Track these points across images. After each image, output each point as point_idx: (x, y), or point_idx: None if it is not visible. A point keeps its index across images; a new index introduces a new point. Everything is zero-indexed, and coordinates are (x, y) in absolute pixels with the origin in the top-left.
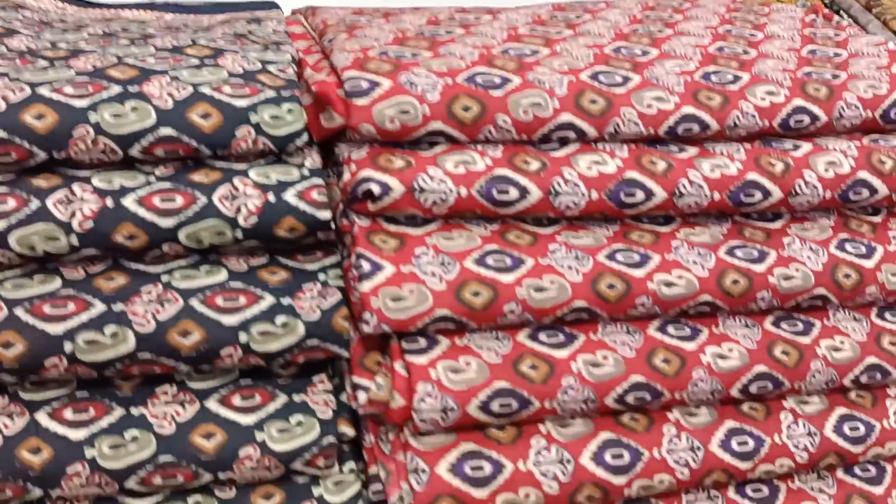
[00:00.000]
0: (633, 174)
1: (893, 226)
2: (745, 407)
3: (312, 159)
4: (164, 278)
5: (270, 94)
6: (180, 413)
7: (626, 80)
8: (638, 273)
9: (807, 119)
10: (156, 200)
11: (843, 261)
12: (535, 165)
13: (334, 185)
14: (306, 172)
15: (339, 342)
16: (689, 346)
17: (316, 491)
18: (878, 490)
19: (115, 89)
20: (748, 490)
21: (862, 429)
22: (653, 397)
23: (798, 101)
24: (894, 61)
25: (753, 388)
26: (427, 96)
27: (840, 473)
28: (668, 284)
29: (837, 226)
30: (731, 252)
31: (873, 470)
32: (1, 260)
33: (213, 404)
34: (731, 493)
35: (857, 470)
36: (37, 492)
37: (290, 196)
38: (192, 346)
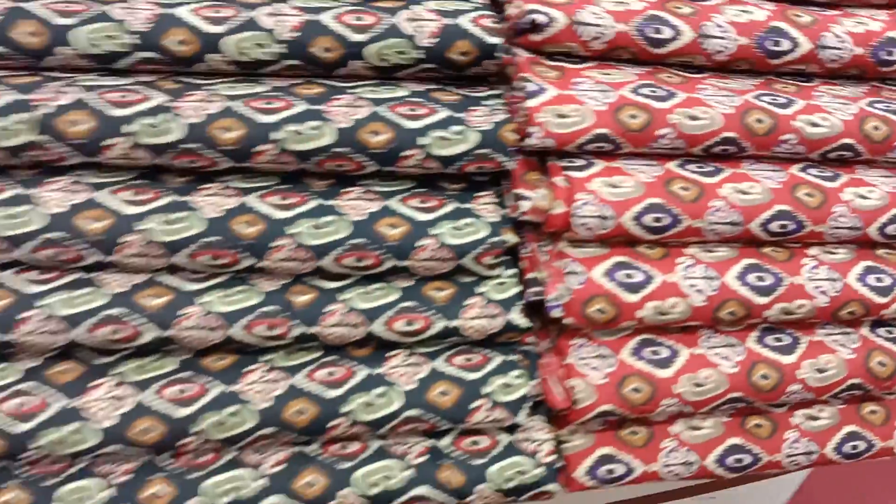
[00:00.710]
0: (779, 24)
1: None
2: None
3: None
4: (357, 91)
5: None
6: (369, 207)
7: None
8: (785, 112)
9: None
10: (348, 18)
11: None
12: (687, 10)
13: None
14: (479, 3)
15: (505, 153)
16: (831, 185)
17: (481, 288)
18: None
19: None
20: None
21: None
22: (796, 227)
23: None
24: None
25: (891, 230)
26: None
27: (864, 330)
28: (813, 125)
29: None
30: (871, 105)
31: None
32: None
33: (395, 203)
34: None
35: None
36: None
37: (464, 21)
38: (380, 144)
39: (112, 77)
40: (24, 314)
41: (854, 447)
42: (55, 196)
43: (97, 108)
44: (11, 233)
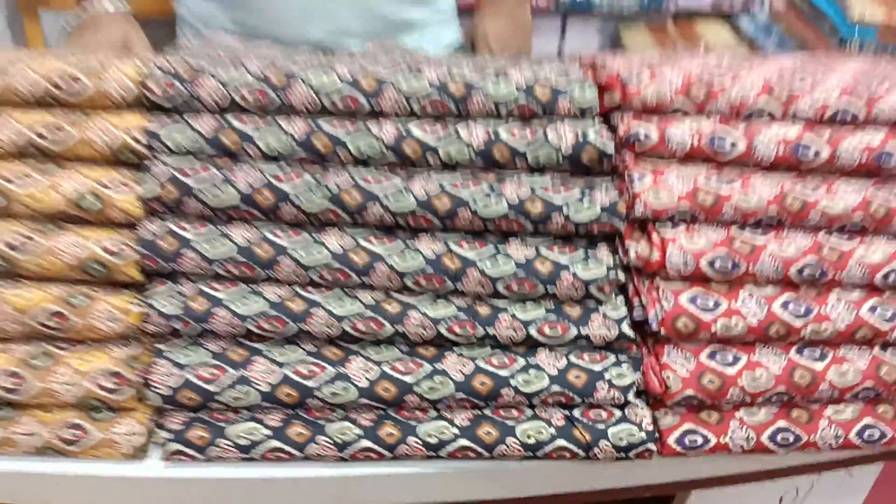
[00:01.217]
0: (808, 137)
1: None
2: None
3: (600, 119)
4: (519, 178)
5: (576, 83)
6: (527, 252)
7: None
8: (812, 197)
9: None
10: (517, 133)
11: None
12: (741, 128)
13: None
14: (598, 123)
15: (620, 219)
16: (849, 246)
17: (601, 309)
18: None
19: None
20: None
21: None
22: (821, 274)
23: None
24: None
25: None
26: (673, 85)
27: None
28: (832, 205)
29: None
30: (875, 191)
31: None
32: None
33: (544, 250)
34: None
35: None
36: None
37: (591, 135)
38: (536, 211)
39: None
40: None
41: (871, 435)
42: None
43: None
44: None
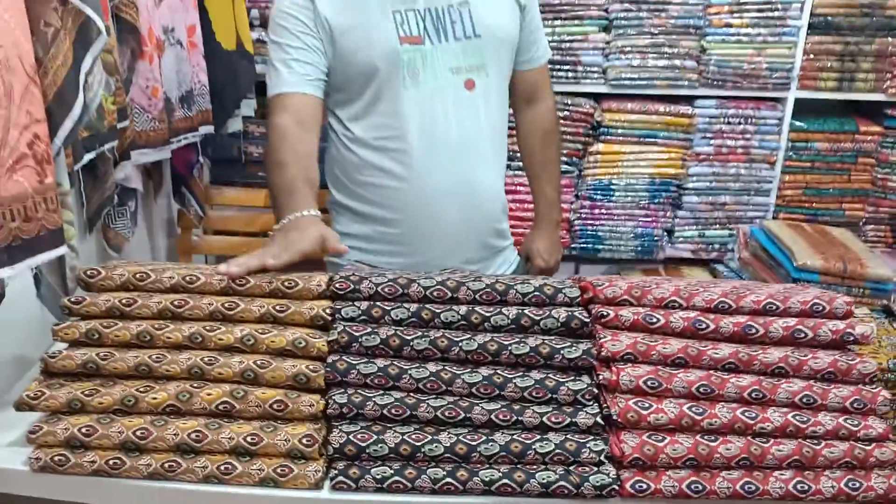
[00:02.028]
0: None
1: None
2: None
3: (581, 306)
4: (535, 336)
5: (568, 286)
6: (539, 376)
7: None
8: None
9: None
10: (534, 311)
11: None
12: (662, 312)
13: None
14: (580, 308)
15: (593, 358)
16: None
17: (584, 408)
18: None
19: None
20: None
21: None
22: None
23: None
24: None
25: None
26: (621, 288)
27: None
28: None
29: None
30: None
31: None
32: None
33: (550, 374)
34: None
35: None
36: None
37: (576, 313)
38: (546, 353)
39: None
40: None
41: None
42: None
43: None
44: None
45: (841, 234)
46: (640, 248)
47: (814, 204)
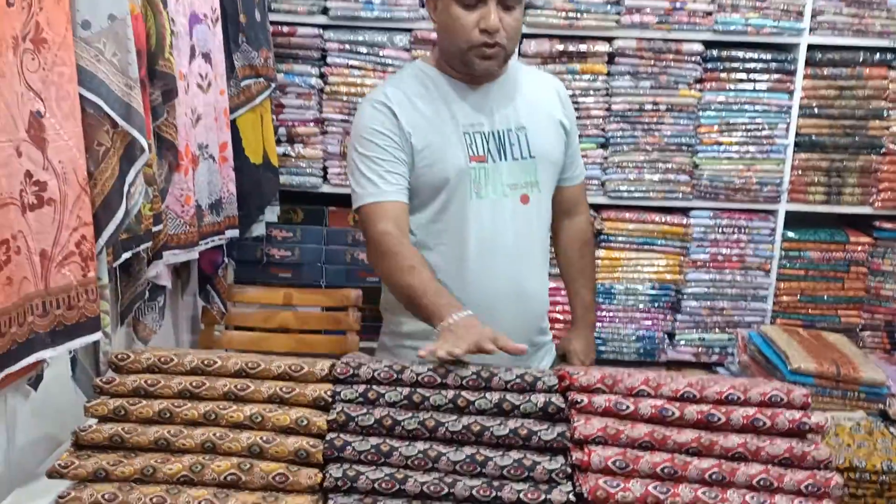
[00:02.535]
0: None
1: None
2: None
3: (559, 393)
4: (515, 418)
5: (547, 374)
6: (518, 455)
7: None
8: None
9: None
10: (516, 396)
11: None
12: (631, 400)
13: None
14: (557, 394)
15: (567, 440)
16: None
17: (559, 487)
18: None
19: None
20: None
21: None
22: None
23: None
24: None
25: None
26: (594, 378)
27: None
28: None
29: None
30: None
31: None
32: None
33: (527, 454)
34: None
35: None
36: None
37: (553, 399)
38: (524, 434)
39: None
40: None
41: None
42: None
43: None
44: None
45: (836, 339)
46: (642, 351)
47: (810, 310)
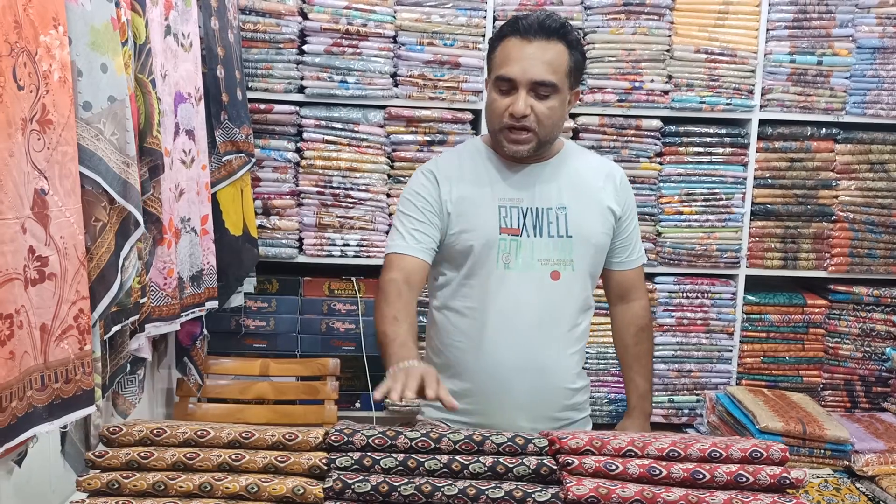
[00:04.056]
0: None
1: None
2: None
3: (550, 455)
4: (509, 481)
5: (536, 438)
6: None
7: None
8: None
9: None
10: (510, 460)
11: None
12: (621, 459)
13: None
14: (549, 457)
15: (562, 502)
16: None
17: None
18: None
19: None
20: None
21: None
22: None
23: None
24: None
25: None
26: (582, 441)
27: None
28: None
29: None
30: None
31: None
32: None
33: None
34: None
35: None
36: None
37: (545, 461)
38: (520, 496)
39: None
40: None
41: None
42: None
43: None
44: None
45: (800, 398)
46: (614, 413)
47: (773, 371)
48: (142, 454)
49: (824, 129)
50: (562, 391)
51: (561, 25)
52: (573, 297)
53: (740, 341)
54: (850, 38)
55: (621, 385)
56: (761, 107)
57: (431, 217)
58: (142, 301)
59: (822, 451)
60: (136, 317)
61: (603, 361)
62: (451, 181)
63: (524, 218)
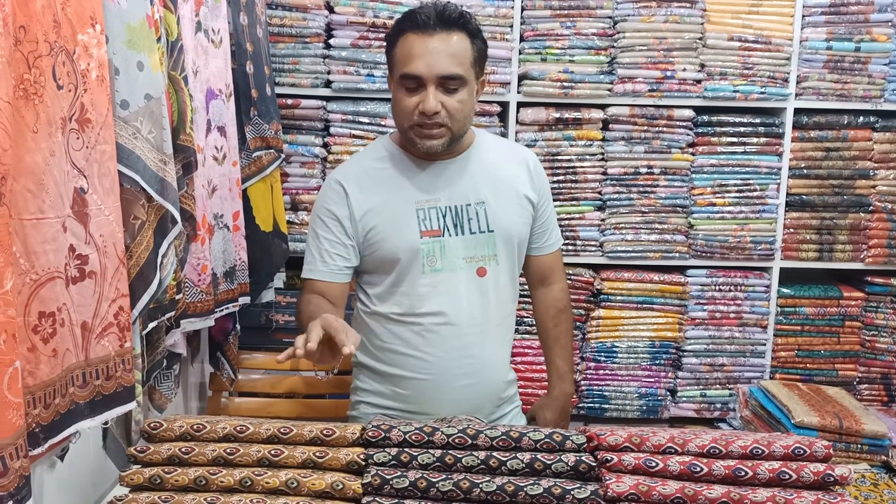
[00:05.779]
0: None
1: None
2: None
3: (588, 452)
4: (546, 478)
5: (575, 435)
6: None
7: None
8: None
9: None
10: (547, 456)
11: None
12: (660, 458)
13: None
14: (587, 453)
15: (601, 499)
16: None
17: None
18: None
19: None
20: None
21: None
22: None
23: None
24: None
25: None
26: (621, 437)
27: None
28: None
29: None
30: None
31: None
32: None
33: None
34: None
35: None
36: None
37: (584, 458)
38: (559, 493)
39: None
40: None
41: None
42: None
43: None
44: None
45: (836, 392)
46: (644, 408)
47: (808, 365)
48: (182, 449)
49: (862, 118)
50: (498, 385)
51: (460, 15)
52: (501, 290)
53: (774, 335)
54: (890, 24)
55: (652, 380)
56: (797, 95)
57: (342, 237)
58: (177, 297)
59: (860, 447)
60: (173, 313)
61: (633, 355)
62: (363, 190)
63: (444, 217)
